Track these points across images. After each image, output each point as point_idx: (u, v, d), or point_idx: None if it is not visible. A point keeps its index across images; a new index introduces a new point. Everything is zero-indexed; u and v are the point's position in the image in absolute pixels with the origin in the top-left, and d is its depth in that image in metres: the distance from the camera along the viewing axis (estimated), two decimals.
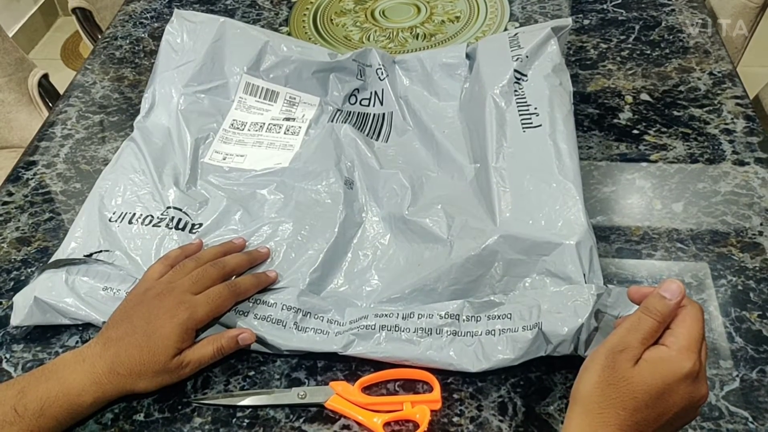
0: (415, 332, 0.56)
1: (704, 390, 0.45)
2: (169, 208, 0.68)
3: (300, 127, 0.79)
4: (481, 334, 0.55)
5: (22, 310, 0.61)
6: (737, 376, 0.54)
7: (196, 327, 0.56)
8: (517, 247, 0.59)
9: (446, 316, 0.56)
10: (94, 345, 0.55)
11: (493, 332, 0.55)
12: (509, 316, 0.55)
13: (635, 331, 0.45)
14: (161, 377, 0.55)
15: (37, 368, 0.54)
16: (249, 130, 0.79)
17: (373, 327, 0.57)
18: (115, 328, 0.56)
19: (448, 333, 0.56)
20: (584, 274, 0.56)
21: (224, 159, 0.76)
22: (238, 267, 0.62)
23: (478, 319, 0.56)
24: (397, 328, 0.57)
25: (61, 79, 1.25)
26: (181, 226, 0.67)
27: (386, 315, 0.57)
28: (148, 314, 0.56)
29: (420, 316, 0.57)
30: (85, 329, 0.63)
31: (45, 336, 0.63)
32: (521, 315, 0.55)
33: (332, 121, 0.78)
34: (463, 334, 0.56)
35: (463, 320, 0.56)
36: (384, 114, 0.78)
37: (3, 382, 0.53)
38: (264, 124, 0.79)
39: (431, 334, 0.56)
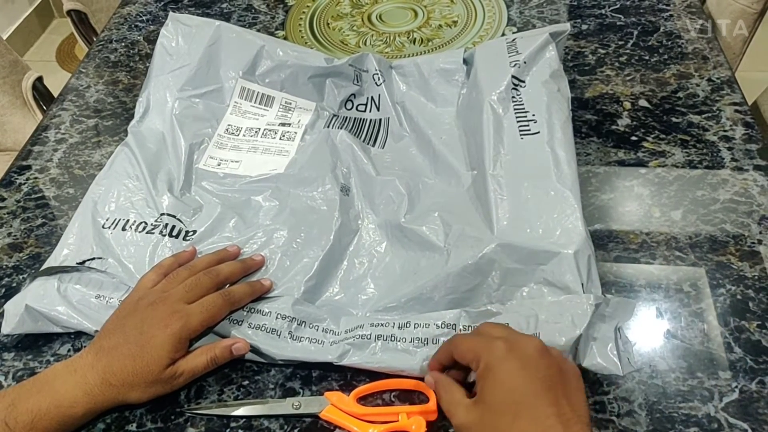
0: (411, 342, 0.56)
1: (529, 342, 0.47)
2: (162, 214, 0.67)
3: (296, 133, 0.78)
4: None
5: (14, 318, 0.61)
6: (736, 387, 0.53)
7: (189, 337, 0.56)
8: (514, 256, 0.58)
9: (443, 325, 0.56)
10: (85, 355, 0.54)
11: None
12: (507, 326, 0.55)
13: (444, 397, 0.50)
14: (154, 388, 0.54)
15: (28, 379, 0.54)
16: (244, 135, 0.78)
17: (368, 336, 0.56)
18: (107, 338, 0.55)
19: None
20: (582, 284, 0.55)
21: (219, 165, 0.75)
22: (232, 275, 0.61)
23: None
24: (393, 338, 0.56)
25: (56, 81, 1.24)
26: (174, 233, 0.66)
27: (382, 324, 0.57)
28: (141, 324, 0.55)
29: (416, 326, 0.56)
30: (77, 338, 0.62)
31: (36, 344, 0.62)
32: (518, 325, 0.54)
33: (328, 126, 0.77)
34: None
35: (460, 330, 0.55)
36: (380, 120, 0.77)
37: None
38: (259, 129, 0.79)
39: (427, 344, 0.55)
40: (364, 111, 0.79)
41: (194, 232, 0.66)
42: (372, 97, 0.78)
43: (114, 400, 0.53)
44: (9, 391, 0.53)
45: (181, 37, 0.81)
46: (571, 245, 0.57)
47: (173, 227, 0.66)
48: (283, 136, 0.78)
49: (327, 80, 0.80)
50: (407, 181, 0.68)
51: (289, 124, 0.79)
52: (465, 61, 0.77)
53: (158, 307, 0.56)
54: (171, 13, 0.84)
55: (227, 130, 0.79)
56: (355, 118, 0.78)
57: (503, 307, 0.56)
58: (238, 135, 0.78)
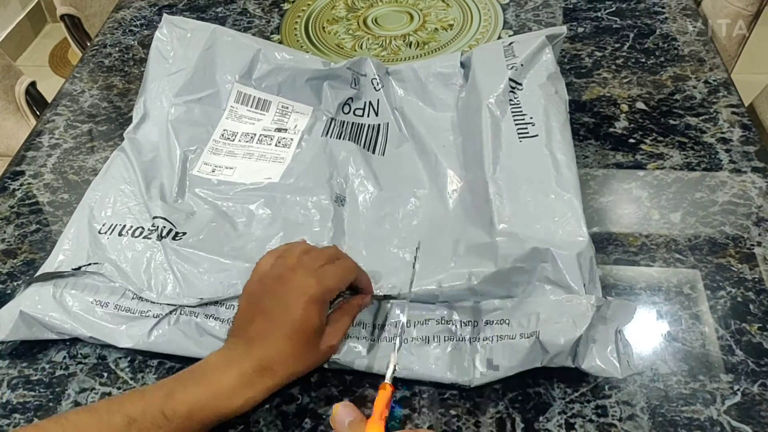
0: (412, 343, 0.55)
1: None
2: (156, 218, 0.66)
3: (291, 139, 0.77)
4: (478, 341, 0.55)
5: (8, 325, 0.60)
6: (738, 390, 0.53)
7: (330, 297, 0.55)
8: (516, 257, 0.57)
9: (442, 321, 0.56)
10: (234, 347, 0.53)
11: (490, 339, 0.54)
12: (507, 322, 0.54)
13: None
14: (313, 358, 0.54)
15: (182, 371, 0.53)
16: (239, 140, 0.77)
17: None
18: (250, 326, 0.54)
19: (445, 339, 0.55)
20: (584, 285, 0.55)
21: (213, 171, 0.74)
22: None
23: (476, 324, 0.55)
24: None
25: (49, 86, 1.24)
26: (170, 237, 0.65)
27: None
28: (280, 302, 0.53)
29: (417, 324, 0.56)
30: (72, 344, 0.61)
31: (31, 351, 0.61)
32: (519, 322, 0.54)
33: (326, 132, 0.76)
34: (458, 339, 0.55)
35: (460, 326, 0.56)
36: (379, 125, 0.76)
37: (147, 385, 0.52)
38: (255, 134, 0.78)
39: (429, 342, 0.55)
40: (362, 116, 0.78)
41: (185, 232, 0.65)
42: (370, 102, 0.78)
43: (274, 387, 0.53)
44: (164, 381, 0.52)
45: (176, 40, 0.81)
46: (573, 248, 0.56)
47: (169, 231, 0.65)
48: (279, 142, 0.77)
49: (324, 83, 0.79)
50: (397, 206, 0.68)
51: (286, 130, 0.78)
52: (462, 65, 0.76)
53: (290, 279, 0.54)
54: (165, 15, 0.83)
55: (222, 135, 0.78)
56: (353, 123, 0.77)
57: (504, 303, 0.56)
58: (233, 140, 0.77)
